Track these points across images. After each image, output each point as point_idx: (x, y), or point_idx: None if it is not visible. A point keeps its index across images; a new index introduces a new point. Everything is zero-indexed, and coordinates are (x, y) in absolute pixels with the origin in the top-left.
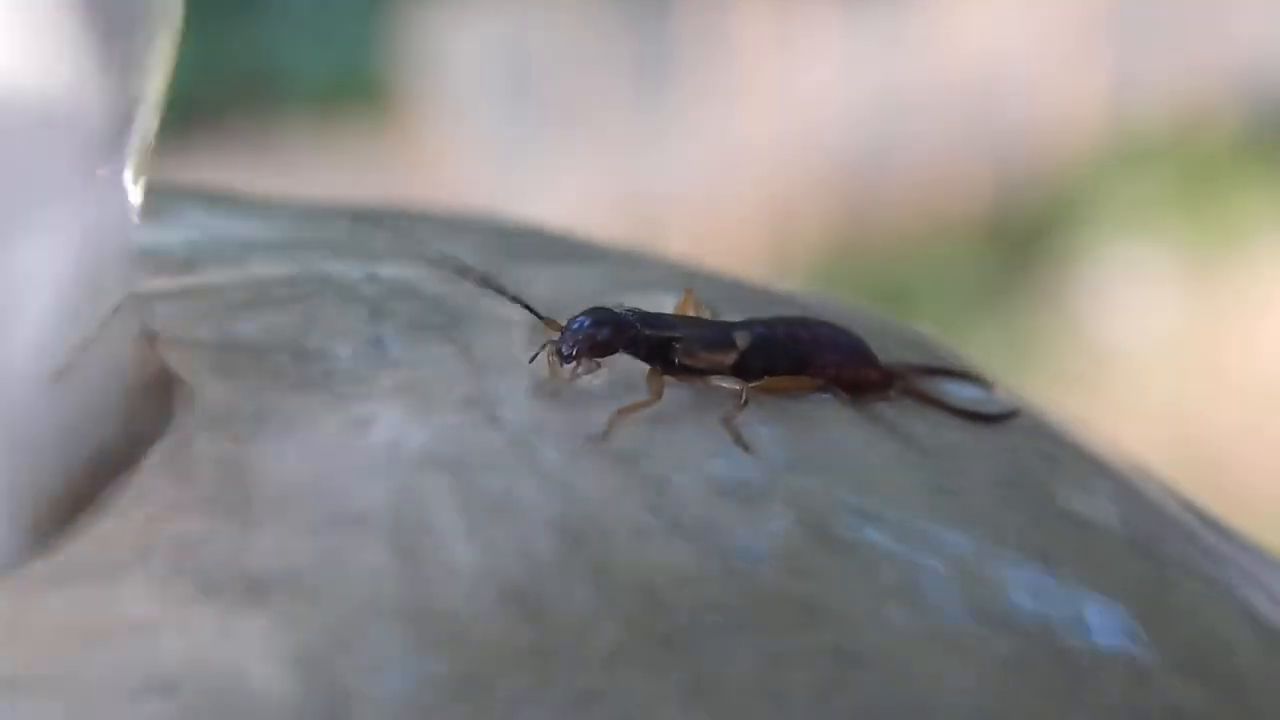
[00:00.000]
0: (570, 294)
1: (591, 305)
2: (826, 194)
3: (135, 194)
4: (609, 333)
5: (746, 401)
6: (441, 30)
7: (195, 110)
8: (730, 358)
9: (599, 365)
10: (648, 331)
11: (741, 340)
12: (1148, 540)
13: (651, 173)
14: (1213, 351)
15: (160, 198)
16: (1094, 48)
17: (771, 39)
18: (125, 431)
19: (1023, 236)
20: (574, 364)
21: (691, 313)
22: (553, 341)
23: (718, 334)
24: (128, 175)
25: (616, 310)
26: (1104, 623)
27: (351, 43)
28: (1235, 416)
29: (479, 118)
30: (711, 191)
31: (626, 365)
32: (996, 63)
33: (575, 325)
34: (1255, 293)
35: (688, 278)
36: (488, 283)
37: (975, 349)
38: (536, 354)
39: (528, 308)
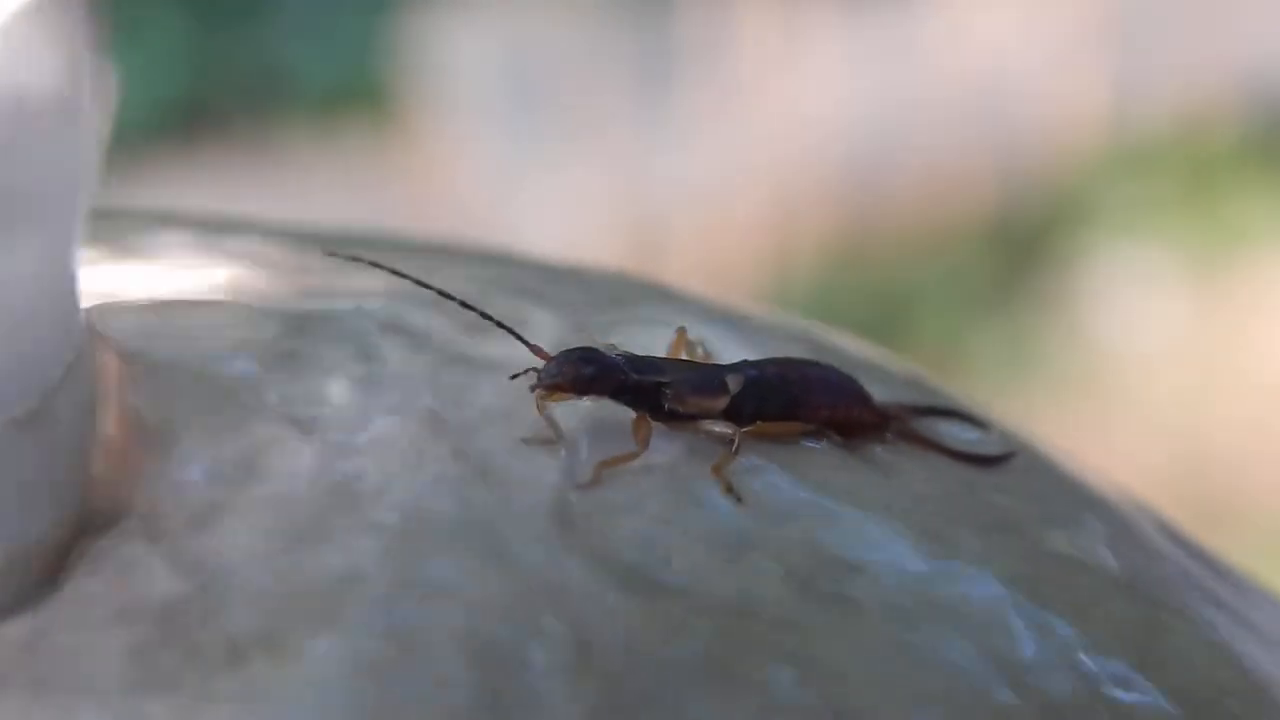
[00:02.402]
0: (557, 329)
1: (580, 344)
2: (830, 198)
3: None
4: (594, 371)
5: (739, 447)
6: (444, 35)
7: (198, 114)
8: (722, 402)
9: (579, 398)
10: (636, 376)
11: (733, 384)
12: (1141, 582)
13: (655, 178)
14: (1216, 353)
15: (142, 227)
16: (1096, 51)
17: (775, 45)
18: (99, 477)
19: (1026, 239)
20: (551, 395)
21: (683, 352)
22: (535, 370)
23: (708, 378)
24: (83, 207)
25: (606, 351)
26: (1096, 669)
27: (355, 47)
28: (1238, 418)
29: (482, 123)
30: (715, 196)
31: (610, 411)
32: (1000, 66)
33: (561, 358)
34: (1258, 294)
35: (680, 310)
36: (475, 309)
37: (979, 352)
38: (519, 375)
39: (514, 334)
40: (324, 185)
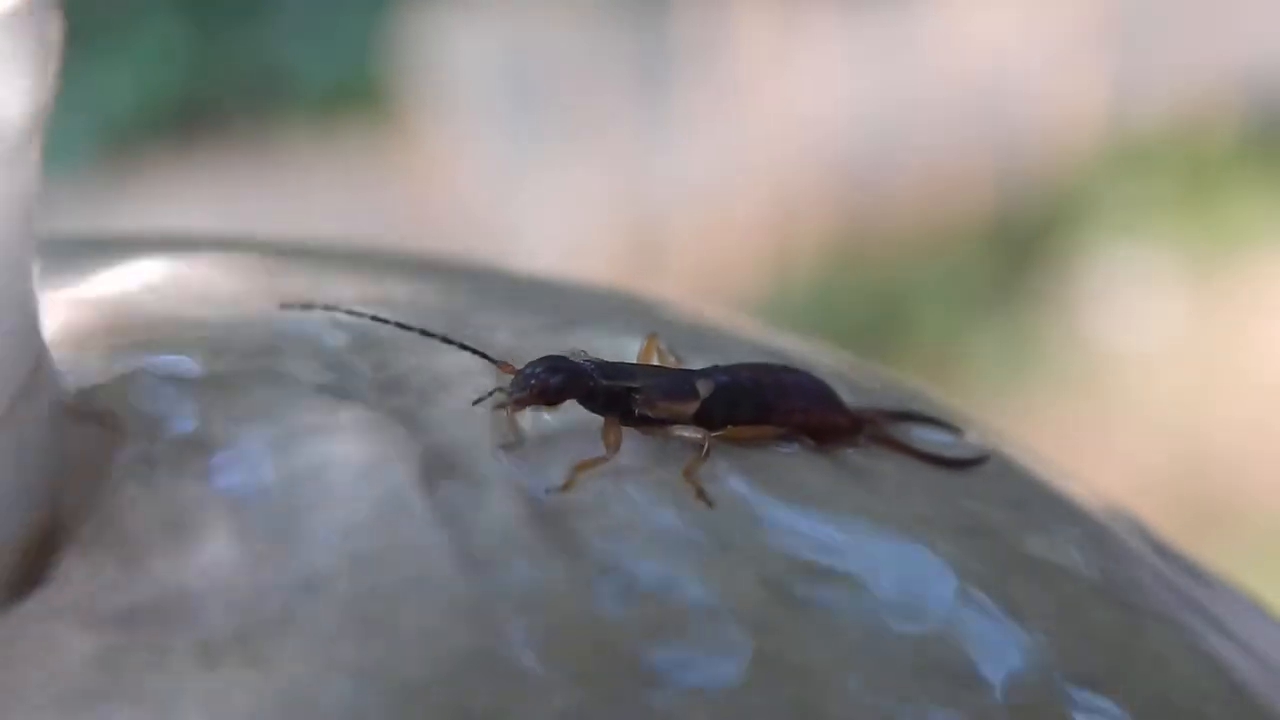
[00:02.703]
0: (531, 341)
1: (548, 352)
2: (829, 198)
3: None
4: (562, 380)
5: (709, 452)
6: (444, 35)
7: (197, 114)
8: (692, 407)
9: (550, 410)
10: (605, 382)
11: (704, 389)
12: (1118, 588)
13: (654, 178)
14: (1215, 353)
15: (111, 245)
16: (1096, 51)
17: (773, 44)
18: (66, 483)
19: (1025, 239)
20: (522, 409)
21: (654, 359)
22: (502, 388)
23: (678, 383)
24: (29, 226)
25: (573, 358)
26: (1072, 674)
27: (354, 46)
28: (1238, 417)
29: (481, 123)
30: (715, 196)
31: (584, 413)
32: (998, 66)
33: (528, 371)
34: (1258, 294)
35: (652, 321)
36: (435, 335)
37: (978, 352)
38: (484, 398)
39: (480, 354)
40: (323, 185)
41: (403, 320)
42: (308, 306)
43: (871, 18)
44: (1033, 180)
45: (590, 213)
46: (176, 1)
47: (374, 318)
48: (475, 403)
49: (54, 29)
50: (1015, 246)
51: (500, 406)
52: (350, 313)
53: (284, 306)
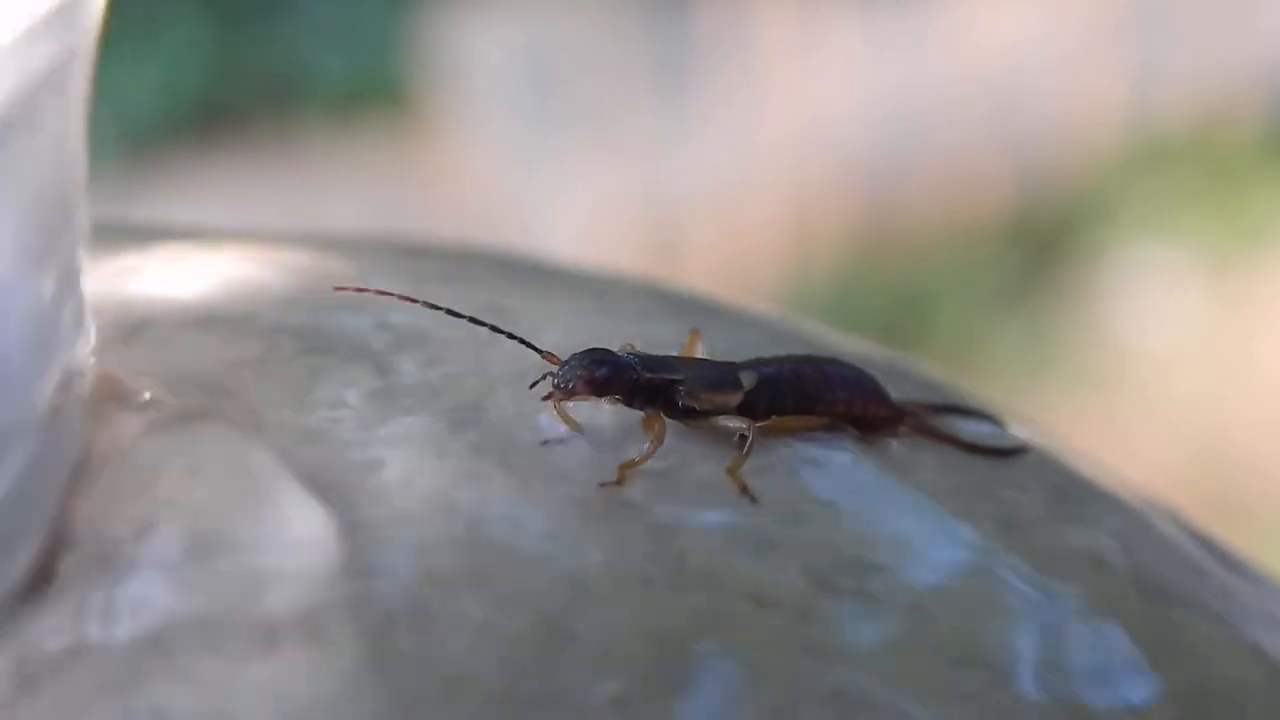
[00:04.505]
0: (579, 333)
1: (595, 345)
2: (847, 195)
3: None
4: (607, 372)
5: (753, 443)
6: (462, 33)
7: (217, 112)
8: (736, 398)
9: (596, 401)
10: (649, 375)
11: (747, 380)
12: (1157, 578)
13: (672, 175)
14: (1235, 348)
15: (168, 240)
16: (1114, 48)
17: (791, 42)
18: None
19: (1044, 237)
20: (569, 400)
21: (698, 353)
22: (550, 374)
23: (722, 375)
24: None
25: (619, 353)
26: (1111, 663)
27: (372, 46)
28: (1259, 413)
29: (499, 121)
30: (732, 194)
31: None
32: (1017, 63)
33: (574, 362)
34: (1277, 290)
35: (697, 315)
36: (485, 324)
37: (997, 349)
38: (536, 383)
39: (525, 342)
40: (342, 182)
41: (453, 309)
42: (361, 290)
43: (891, 14)
44: (1052, 177)
45: (608, 209)
46: (198, 2)
47: (426, 304)
48: (531, 386)
49: None
50: (1035, 243)
51: (547, 397)
52: (403, 298)
53: (337, 290)
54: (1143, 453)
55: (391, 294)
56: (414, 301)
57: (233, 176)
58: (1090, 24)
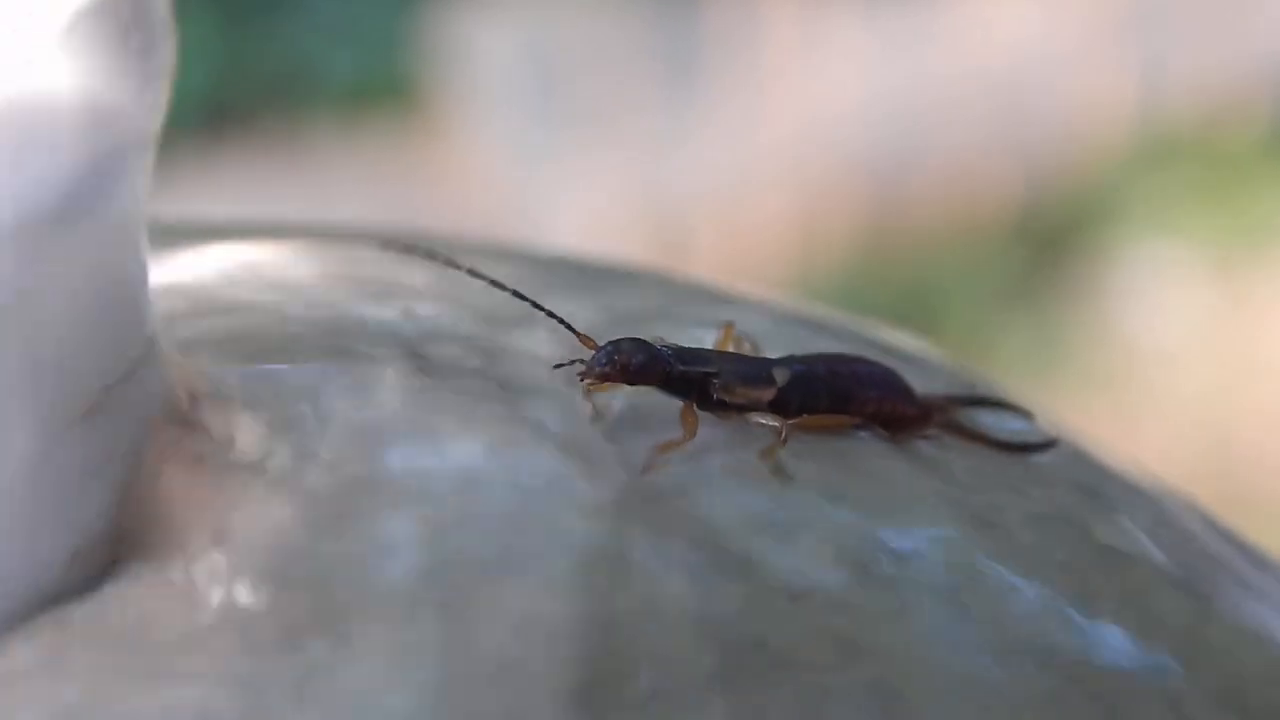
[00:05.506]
0: (610, 323)
1: (630, 334)
2: (853, 194)
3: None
4: (642, 360)
5: (786, 438)
6: (469, 30)
7: (224, 110)
8: (769, 394)
9: (627, 388)
10: (683, 367)
11: (780, 376)
12: (1186, 573)
13: (678, 173)
14: (1242, 346)
15: (191, 233)
16: (1121, 45)
17: (798, 39)
18: (152, 473)
19: (1051, 234)
20: (601, 385)
21: (731, 348)
22: (582, 360)
23: (756, 370)
24: (142, 200)
25: (653, 343)
26: (1142, 659)
27: (379, 43)
28: (1266, 409)
29: (506, 118)
30: (738, 191)
31: (663, 398)
32: (1023, 60)
33: (610, 347)
34: None
35: (730, 309)
36: (527, 299)
37: (1004, 347)
38: (565, 364)
39: (563, 322)
40: (349, 180)
41: (497, 280)
42: (409, 250)
43: (897, 11)
44: (1058, 175)
45: (614, 206)
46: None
47: (471, 271)
48: (556, 367)
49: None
50: (1041, 241)
51: (581, 377)
52: (450, 264)
53: (384, 246)
54: (1150, 449)
55: (439, 256)
56: (459, 269)
57: (239, 173)
58: (1095, 22)
